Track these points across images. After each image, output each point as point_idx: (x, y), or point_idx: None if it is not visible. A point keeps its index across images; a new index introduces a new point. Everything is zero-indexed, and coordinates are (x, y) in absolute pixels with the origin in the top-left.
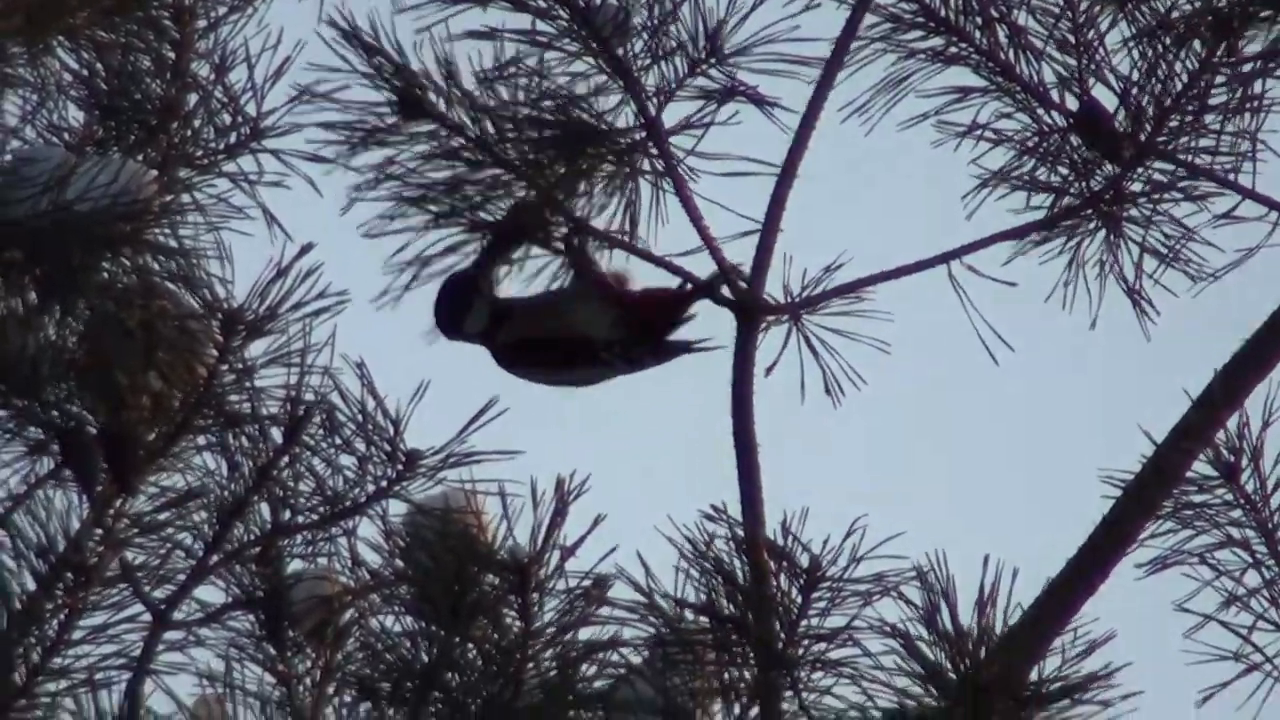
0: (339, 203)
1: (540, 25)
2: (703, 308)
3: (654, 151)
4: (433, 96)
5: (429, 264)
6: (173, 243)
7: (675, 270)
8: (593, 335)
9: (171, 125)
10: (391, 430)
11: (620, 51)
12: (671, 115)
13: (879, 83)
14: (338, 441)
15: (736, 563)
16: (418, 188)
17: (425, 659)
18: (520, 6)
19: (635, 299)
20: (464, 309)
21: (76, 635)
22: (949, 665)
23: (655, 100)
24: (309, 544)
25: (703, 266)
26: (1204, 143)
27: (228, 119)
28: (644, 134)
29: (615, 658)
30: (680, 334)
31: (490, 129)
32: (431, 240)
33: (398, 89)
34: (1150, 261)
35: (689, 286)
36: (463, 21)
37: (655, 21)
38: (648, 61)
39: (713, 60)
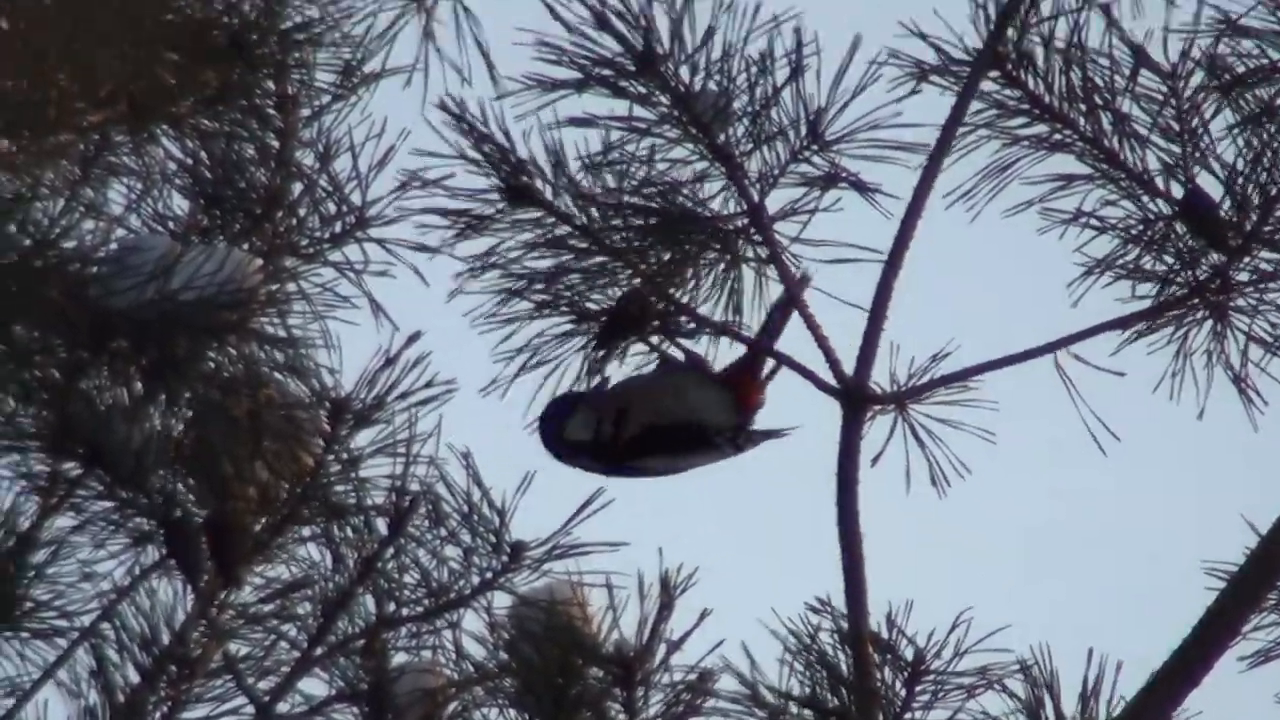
0: (445, 290)
1: (639, 111)
2: (809, 398)
3: (757, 238)
4: (539, 183)
5: (536, 352)
6: (279, 332)
7: (784, 359)
8: (707, 420)
9: (276, 214)
10: (497, 521)
11: (721, 138)
12: (774, 202)
13: (984, 169)
14: (443, 533)
15: (841, 655)
16: (521, 277)
17: None
18: (619, 93)
19: (739, 380)
20: (566, 415)
21: None
22: None
23: (758, 186)
24: (413, 636)
25: (808, 353)
26: None
27: (332, 207)
28: (747, 220)
29: None
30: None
31: (595, 215)
32: (538, 329)
33: (505, 175)
34: (1256, 350)
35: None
36: (563, 109)
37: (756, 107)
38: (749, 147)
39: (815, 146)
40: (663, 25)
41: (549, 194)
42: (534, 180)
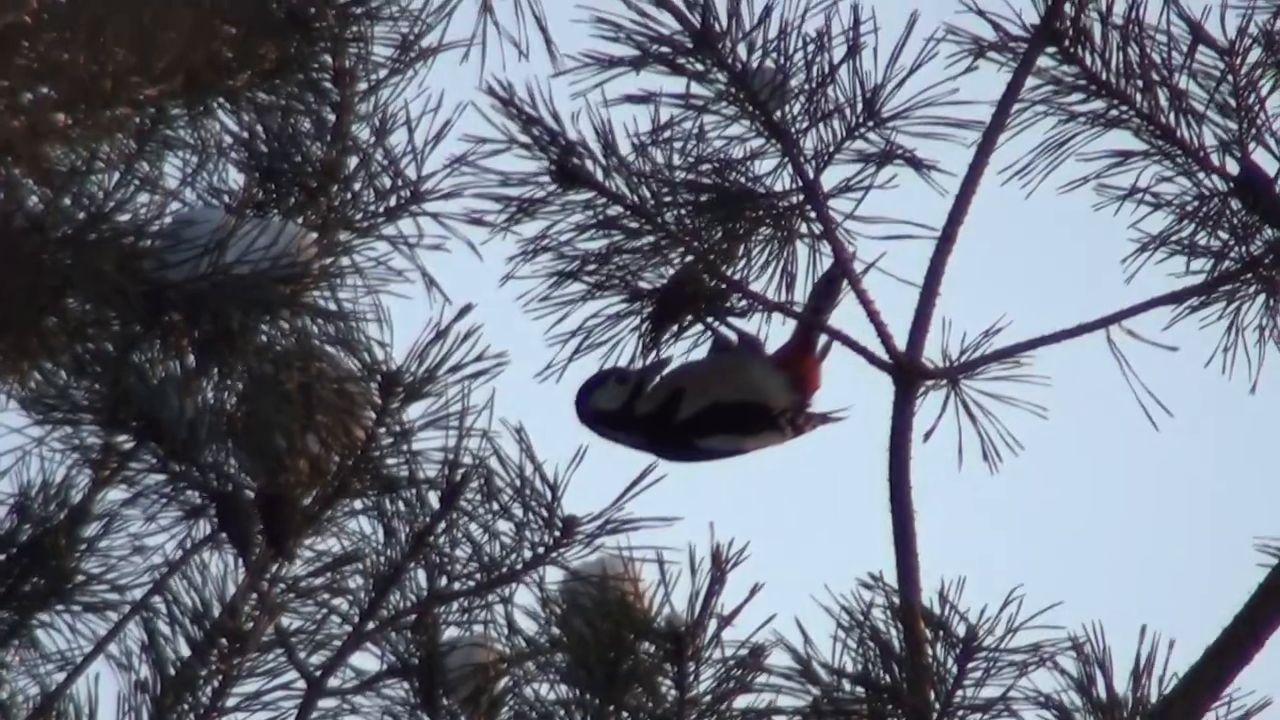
0: (498, 265)
1: (696, 88)
2: (862, 373)
3: (812, 214)
4: (589, 165)
5: (590, 335)
6: (332, 305)
7: (837, 334)
8: (770, 400)
9: (331, 188)
10: (549, 496)
11: (777, 115)
12: (829, 180)
13: (1039, 145)
14: (495, 507)
15: (893, 631)
16: (573, 259)
17: None
18: (676, 70)
19: (797, 360)
20: (596, 386)
21: (230, 702)
22: None
23: (813, 164)
24: (465, 611)
25: (861, 329)
26: None
27: (388, 182)
28: (802, 197)
29: None
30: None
31: (648, 195)
32: (591, 311)
33: (555, 158)
34: None
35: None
36: (619, 86)
37: (813, 85)
38: (805, 124)
39: (870, 123)
40: (720, 3)
41: (599, 175)
42: (584, 162)
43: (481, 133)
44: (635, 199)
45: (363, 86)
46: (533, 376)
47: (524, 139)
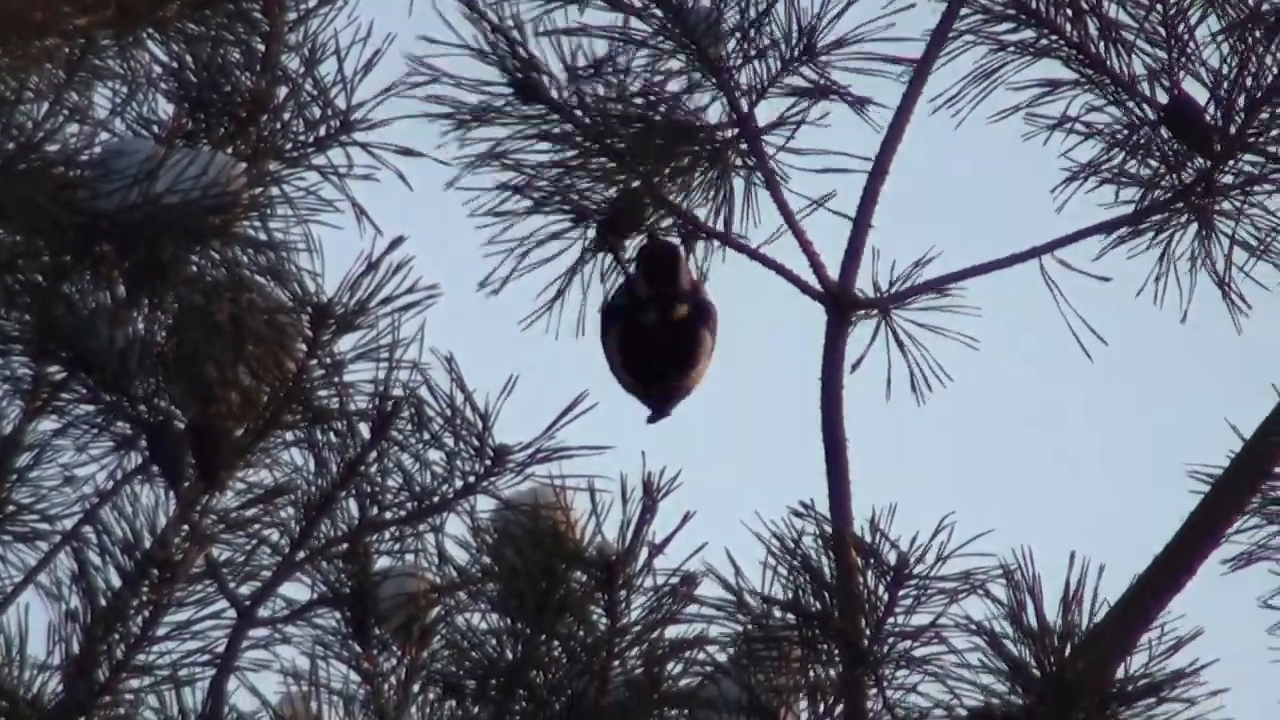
0: (429, 196)
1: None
2: (793, 302)
3: (745, 148)
4: (546, 81)
5: (529, 252)
6: (262, 236)
7: (771, 264)
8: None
9: (261, 118)
10: (480, 425)
11: (713, 51)
12: (763, 114)
13: (969, 75)
14: (426, 437)
15: (824, 560)
16: (523, 173)
17: (511, 656)
18: (615, 5)
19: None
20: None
21: (161, 632)
22: (1034, 663)
23: (748, 98)
24: (396, 540)
25: (795, 260)
26: None
27: (317, 112)
28: (736, 131)
29: (701, 655)
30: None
31: (599, 119)
32: (535, 226)
33: (517, 69)
34: (1241, 255)
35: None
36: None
37: (748, 21)
38: (740, 61)
39: (805, 58)
40: None
41: (555, 93)
42: (542, 78)
43: (437, 40)
44: (588, 120)
45: (292, 16)
46: (476, 286)
47: (482, 46)
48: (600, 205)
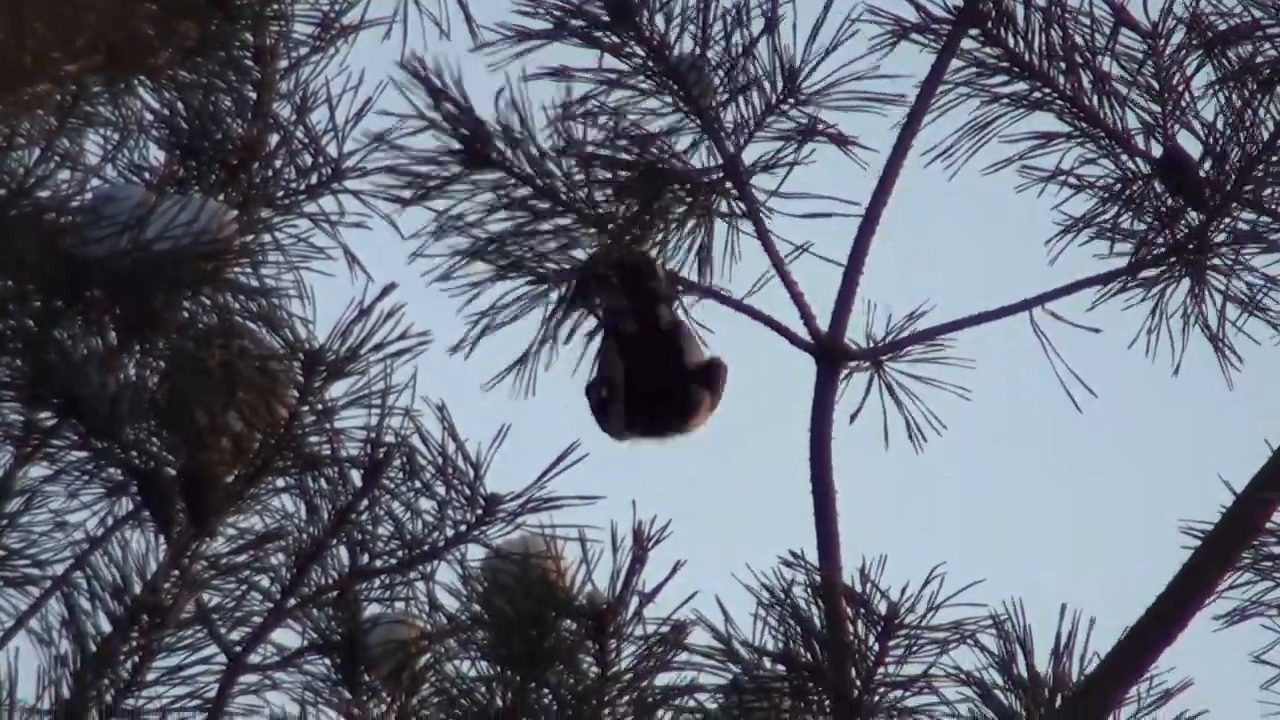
0: (421, 244)
1: (615, 63)
2: (783, 354)
3: (733, 192)
4: (500, 144)
5: (500, 313)
6: (254, 282)
7: (759, 316)
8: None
9: (252, 165)
10: (471, 474)
11: (697, 90)
12: (750, 156)
13: (963, 127)
14: (417, 485)
15: (814, 609)
16: (480, 240)
17: (501, 704)
18: (591, 43)
19: None
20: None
21: (151, 677)
22: (1024, 713)
23: (734, 140)
24: (386, 588)
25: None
26: None
27: (309, 159)
28: (722, 174)
29: (692, 704)
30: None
31: (560, 173)
32: (501, 291)
33: (463, 136)
34: (1233, 310)
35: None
36: (538, 59)
37: (731, 61)
38: (725, 99)
39: (791, 100)
40: None
41: (509, 155)
42: (493, 140)
43: (401, 110)
44: (542, 181)
45: (284, 64)
46: (446, 350)
47: (433, 115)
48: (564, 267)
